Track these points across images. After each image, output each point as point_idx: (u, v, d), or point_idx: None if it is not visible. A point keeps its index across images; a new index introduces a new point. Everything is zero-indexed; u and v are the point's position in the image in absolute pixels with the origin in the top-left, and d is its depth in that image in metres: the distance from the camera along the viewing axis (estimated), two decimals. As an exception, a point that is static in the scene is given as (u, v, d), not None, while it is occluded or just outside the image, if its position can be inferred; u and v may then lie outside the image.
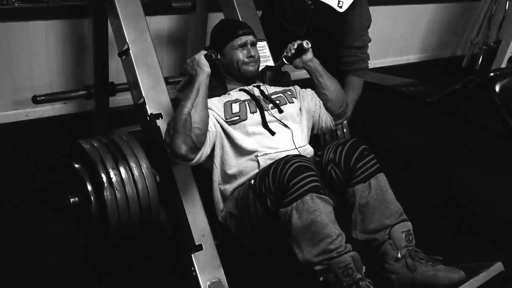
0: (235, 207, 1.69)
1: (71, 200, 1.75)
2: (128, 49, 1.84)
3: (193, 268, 1.69)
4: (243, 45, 1.82)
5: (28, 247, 1.91)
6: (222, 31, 1.88)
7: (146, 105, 1.79)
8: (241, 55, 1.81)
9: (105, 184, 1.62)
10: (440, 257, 1.53)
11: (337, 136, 2.28)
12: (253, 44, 1.85)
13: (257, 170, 1.66)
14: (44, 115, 2.77)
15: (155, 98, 1.82)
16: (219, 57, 1.74)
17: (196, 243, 1.70)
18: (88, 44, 2.68)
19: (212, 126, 1.68)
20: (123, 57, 1.88)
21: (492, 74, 2.46)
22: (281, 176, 1.46)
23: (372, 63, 3.63)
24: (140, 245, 1.90)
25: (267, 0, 2.65)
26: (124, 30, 1.85)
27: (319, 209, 1.43)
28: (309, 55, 1.87)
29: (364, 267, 1.45)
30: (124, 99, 2.81)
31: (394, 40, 4.36)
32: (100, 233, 1.73)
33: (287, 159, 1.49)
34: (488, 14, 4.68)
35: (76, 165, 1.74)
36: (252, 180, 1.59)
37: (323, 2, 2.04)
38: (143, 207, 1.69)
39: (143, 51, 1.86)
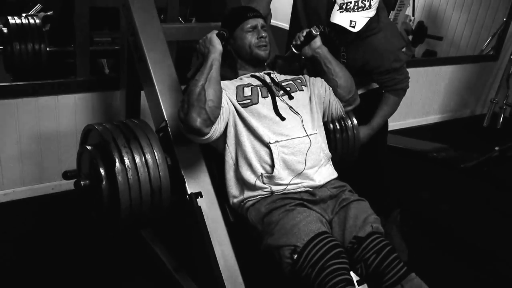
0: (259, 223, 1.68)
1: (82, 183, 1.71)
2: (166, 126, 1.81)
3: None
4: (254, 28, 1.84)
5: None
6: (232, 14, 1.92)
7: (186, 184, 1.74)
8: (252, 38, 1.84)
9: (117, 162, 1.58)
10: None
11: (345, 123, 2.20)
12: (263, 27, 1.87)
13: (269, 158, 1.68)
14: (71, 187, 2.71)
15: (194, 176, 1.77)
16: (229, 37, 1.78)
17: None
18: (117, 115, 2.66)
19: (225, 103, 1.69)
20: (161, 134, 1.84)
21: (531, 141, 2.40)
22: (324, 283, 1.45)
23: (395, 125, 3.60)
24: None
25: None
26: (163, 107, 1.83)
27: None
28: (318, 42, 1.92)
29: None
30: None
31: (415, 101, 4.34)
32: (111, 215, 1.67)
33: (334, 269, 1.46)
34: (506, 74, 4.69)
35: (88, 147, 1.71)
36: (296, 255, 1.50)
37: (341, 29, 2.01)
38: (154, 188, 1.64)
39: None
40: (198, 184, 1.76)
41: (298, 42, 1.93)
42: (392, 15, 3.96)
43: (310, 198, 1.69)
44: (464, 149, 3.29)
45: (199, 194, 1.72)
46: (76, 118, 2.65)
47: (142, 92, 2.06)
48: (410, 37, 4.80)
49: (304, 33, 1.90)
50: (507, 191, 2.82)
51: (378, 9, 2.09)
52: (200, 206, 1.69)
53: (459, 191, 3.24)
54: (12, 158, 2.55)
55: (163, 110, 1.82)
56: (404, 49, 3.34)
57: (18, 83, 2.60)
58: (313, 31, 1.88)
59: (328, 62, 1.93)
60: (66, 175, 2.23)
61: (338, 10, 2.01)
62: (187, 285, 1.96)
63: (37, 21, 3.10)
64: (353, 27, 2.00)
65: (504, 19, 4.67)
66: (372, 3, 2.02)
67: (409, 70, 4.11)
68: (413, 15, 4.79)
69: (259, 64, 1.89)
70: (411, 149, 2.97)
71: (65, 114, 2.61)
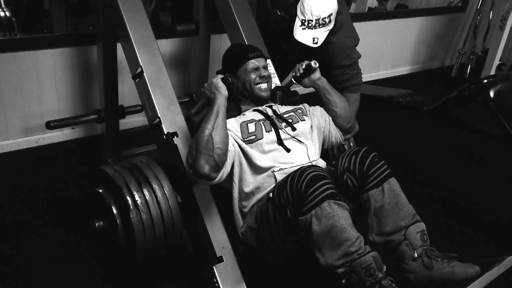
0: (255, 221, 1.76)
1: (96, 224, 1.80)
2: (142, 71, 1.91)
3: (215, 280, 1.74)
4: (256, 69, 1.90)
5: (48, 270, 1.96)
6: (234, 54, 1.96)
7: (162, 125, 1.86)
8: (253, 79, 1.89)
9: (131, 207, 1.67)
10: (454, 254, 1.59)
11: (344, 149, 2.33)
12: (265, 68, 1.93)
13: (274, 185, 1.73)
14: (54, 141, 2.83)
15: (170, 118, 1.89)
16: (234, 80, 1.85)
17: (217, 255, 1.75)
18: (95, 70, 2.75)
19: (231, 145, 1.75)
20: (137, 80, 1.94)
21: (485, 81, 2.56)
22: (298, 186, 1.54)
23: (365, 77, 3.71)
24: (163, 265, 1.97)
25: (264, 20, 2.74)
26: (137, 54, 1.92)
27: (337, 214, 1.50)
28: (317, 74, 1.98)
29: (384, 267, 1.51)
30: (132, 121, 2.88)
31: (385, 53, 4.49)
32: (126, 254, 1.78)
33: (302, 170, 1.57)
34: (473, 25, 4.85)
35: (100, 190, 1.79)
36: (271, 194, 1.65)
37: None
38: (167, 227, 1.74)
39: (156, 73, 1.93)
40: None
41: (298, 74, 1.99)
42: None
43: None
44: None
45: (175, 134, 1.84)
46: (56, 71, 2.73)
47: (119, 45, 2.14)
48: (382, -9, 4.91)
49: (304, 66, 1.96)
50: (466, 131, 3.02)
51: (339, 8, 2.19)
52: (176, 144, 1.82)
53: (421, 132, 3.46)
54: None
55: (138, 56, 1.92)
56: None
57: None
58: (312, 65, 1.94)
59: (328, 93, 1.99)
60: (49, 125, 2.36)
61: (300, 26, 2.09)
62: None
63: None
64: (316, 43, 2.09)
65: (470, -29, 4.79)
66: (331, 18, 2.12)
67: (379, 22, 4.27)
68: (384, -31, 4.87)
69: (261, 102, 1.95)
70: (377, 95, 3.13)
71: (45, 67, 2.68)
